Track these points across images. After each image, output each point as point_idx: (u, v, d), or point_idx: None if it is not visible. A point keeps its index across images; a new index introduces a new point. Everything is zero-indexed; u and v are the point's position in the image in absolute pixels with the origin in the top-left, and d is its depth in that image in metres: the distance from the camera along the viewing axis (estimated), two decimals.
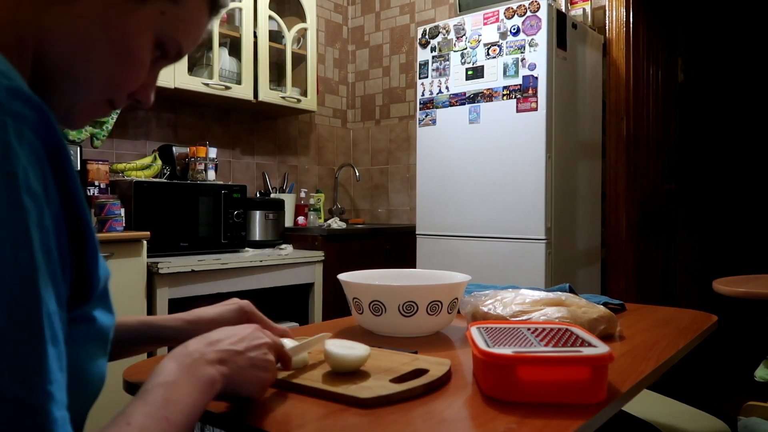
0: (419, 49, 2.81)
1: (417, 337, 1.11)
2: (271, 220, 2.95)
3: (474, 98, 2.59)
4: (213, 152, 2.72)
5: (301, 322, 2.80)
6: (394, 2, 3.74)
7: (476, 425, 0.67)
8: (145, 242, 2.16)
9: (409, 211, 3.63)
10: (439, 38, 2.73)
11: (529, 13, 2.43)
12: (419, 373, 0.81)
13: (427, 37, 2.77)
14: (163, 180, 2.54)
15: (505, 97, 2.49)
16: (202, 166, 2.66)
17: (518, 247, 2.45)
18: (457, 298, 1.12)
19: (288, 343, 0.81)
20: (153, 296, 2.18)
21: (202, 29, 0.63)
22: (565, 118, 2.53)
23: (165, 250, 2.39)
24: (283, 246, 2.85)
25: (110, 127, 2.48)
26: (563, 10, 2.77)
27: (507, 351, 0.74)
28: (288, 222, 3.24)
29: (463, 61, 2.63)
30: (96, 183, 2.31)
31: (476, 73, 2.59)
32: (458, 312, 1.17)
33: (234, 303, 0.90)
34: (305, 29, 3.24)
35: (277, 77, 3.23)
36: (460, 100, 2.65)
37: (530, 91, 2.42)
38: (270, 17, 3.03)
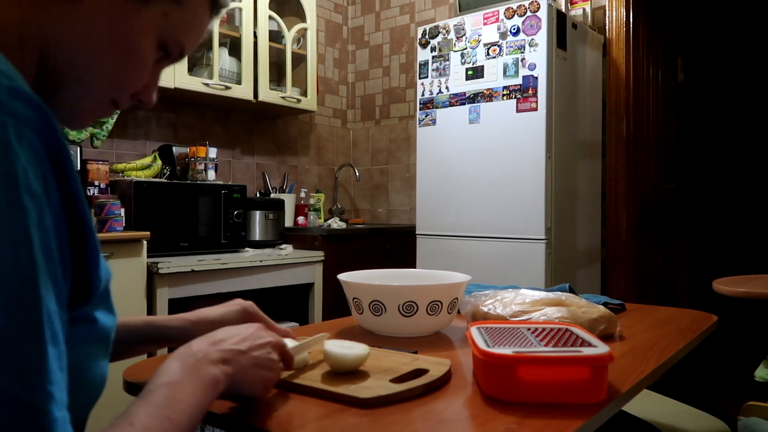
0: (419, 49, 2.81)
1: (417, 337, 1.11)
2: (271, 220, 2.95)
3: (474, 98, 2.59)
4: (213, 152, 2.72)
5: (301, 322, 2.80)
6: (394, 2, 3.74)
7: (476, 425, 0.67)
8: (145, 242, 2.16)
9: (409, 211, 3.63)
10: (439, 38, 2.73)
11: (529, 13, 2.43)
12: (419, 373, 0.81)
13: (427, 37, 2.77)
14: (163, 180, 2.54)
15: (505, 97, 2.49)
16: (202, 166, 2.66)
17: (518, 247, 2.45)
18: (457, 298, 1.12)
19: (288, 343, 0.82)
20: (153, 296, 2.18)
21: (203, 29, 0.64)
22: (565, 118, 2.53)
23: (165, 250, 2.39)
24: (283, 246, 2.85)
25: (110, 127, 2.48)
26: (563, 10, 2.77)
27: (507, 351, 0.74)
28: (288, 222, 3.24)
29: (463, 61, 2.63)
30: (96, 183, 2.31)
31: (476, 73, 2.59)
32: (458, 312, 1.17)
33: (237, 304, 0.90)
34: (305, 29, 3.24)
35: (277, 77, 3.23)
36: (460, 100, 2.65)
37: (530, 91, 2.42)
38: (270, 17, 3.03)
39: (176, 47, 0.61)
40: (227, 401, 0.72)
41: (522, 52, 2.44)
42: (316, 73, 3.27)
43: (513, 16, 2.47)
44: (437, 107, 2.73)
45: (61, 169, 0.46)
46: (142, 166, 2.56)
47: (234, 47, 2.96)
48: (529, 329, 0.89)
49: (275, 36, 3.13)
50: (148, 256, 2.20)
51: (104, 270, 0.55)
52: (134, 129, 2.81)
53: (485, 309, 1.13)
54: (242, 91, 2.88)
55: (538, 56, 2.40)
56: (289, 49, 3.13)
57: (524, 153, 2.44)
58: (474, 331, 0.86)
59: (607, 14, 2.86)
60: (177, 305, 2.27)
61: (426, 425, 0.67)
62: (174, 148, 2.71)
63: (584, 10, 2.88)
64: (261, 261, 2.53)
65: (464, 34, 2.63)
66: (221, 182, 2.78)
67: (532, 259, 2.41)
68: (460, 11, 3.17)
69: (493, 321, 1.04)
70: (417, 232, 2.82)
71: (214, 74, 2.75)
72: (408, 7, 3.67)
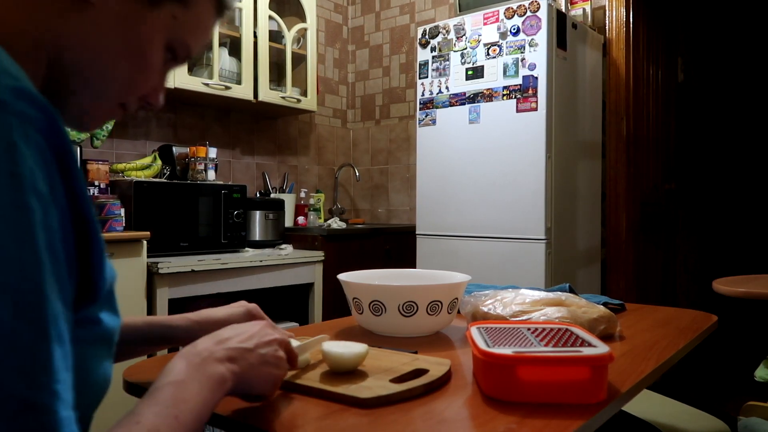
0: (419, 49, 2.81)
1: (417, 337, 1.11)
2: (271, 220, 2.95)
3: (474, 98, 2.59)
4: (213, 152, 2.72)
5: (301, 322, 2.80)
6: (394, 2, 3.74)
7: (476, 425, 0.67)
8: (145, 242, 2.16)
9: (409, 211, 3.63)
10: (439, 38, 2.73)
11: (529, 13, 2.43)
12: (419, 373, 0.81)
13: (427, 37, 2.77)
14: (163, 180, 2.54)
15: (505, 97, 2.49)
16: (202, 166, 2.66)
17: (518, 247, 2.45)
18: (457, 298, 1.12)
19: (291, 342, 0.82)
20: (153, 296, 2.18)
21: (209, 31, 0.65)
22: (565, 118, 2.53)
23: (165, 250, 2.39)
24: (283, 246, 2.85)
25: (110, 127, 2.48)
26: (563, 10, 2.77)
27: (507, 351, 0.74)
28: (288, 222, 3.24)
29: (463, 61, 2.63)
30: (96, 183, 2.31)
31: (476, 73, 2.59)
32: (458, 312, 1.17)
33: (242, 306, 0.90)
34: (305, 29, 3.24)
35: (277, 77, 3.23)
36: (460, 100, 2.65)
37: (530, 91, 2.42)
38: (270, 17, 3.03)
39: (183, 49, 0.62)
40: (235, 400, 0.71)
41: (522, 52, 2.44)
42: (316, 73, 3.27)
43: (513, 16, 2.47)
44: (437, 107, 2.73)
45: (66, 170, 0.47)
46: (142, 166, 2.56)
47: (234, 47, 2.96)
48: (529, 329, 0.89)
49: (275, 36, 3.13)
50: (148, 256, 2.20)
51: (109, 271, 0.55)
52: (134, 129, 2.81)
53: (485, 309, 1.13)
54: (242, 91, 2.88)
55: (538, 56, 2.40)
56: (289, 49, 3.13)
57: (524, 153, 2.44)
58: (474, 331, 0.86)
59: (607, 14, 2.86)
60: (177, 305, 2.27)
61: (426, 425, 0.66)
62: (174, 148, 2.71)
63: (584, 10, 2.88)
64: (261, 261, 2.53)
65: (464, 34, 2.63)
66: (221, 182, 2.78)
67: (532, 259, 2.41)
68: (460, 11, 3.17)
69: (493, 321, 1.04)
70: (417, 232, 2.82)
71: (214, 74, 2.75)
72: (408, 7, 3.67)
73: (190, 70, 2.77)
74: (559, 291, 1.26)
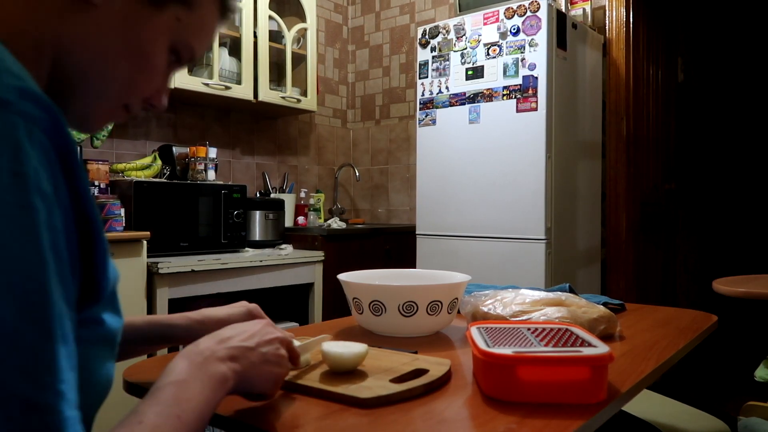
0: (419, 49, 2.81)
1: (417, 337, 1.11)
2: (271, 220, 2.95)
3: (474, 98, 2.59)
4: (213, 152, 2.72)
5: (301, 322, 2.80)
6: (394, 2, 3.74)
7: (476, 425, 0.67)
8: (145, 242, 2.16)
9: (409, 211, 3.63)
10: (439, 38, 2.73)
11: (529, 13, 2.43)
12: (419, 373, 0.81)
13: (427, 37, 2.77)
14: (163, 180, 2.54)
15: (505, 97, 2.49)
16: (202, 166, 2.66)
17: (518, 247, 2.45)
18: (457, 298, 1.12)
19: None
20: (153, 296, 2.18)
21: (213, 34, 0.65)
22: (565, 118, 2.53)
23: (165, 250, 2.39)
24: (283, 246, 2.85)
25: (110, 127, 2.48)
26: (563, 10, 2.77)
27: (507, 351, 0.74)
28: (288, 222, 3.24)
29: (463, 61, 2.63)
30: (96, 183, 2.31)
31: (476, 73, 2.59)
32: (458, 312, 1.17)
33: (242, 306, 0.90)
34: (305, 29, 3.24)
35: (277, 77, 3.23)
36: (460, 100, 2.65)
37: (530, 91, 2.42)
38: (270, 17, 3.03)
39: (187, 51, 0.62)
40: (236, 401, 0.71)
41: (522, 52, 2.44)
42: (316, 73, 3.27)
43: (513, 16, 2.47)
44: (437, 107, 2.73)
45: (70, 170, 0.47)
46: (142, 166, 2.56)
47: (234, 47, 2.96)
48: (529, 329, 0.89)
49: (275, 36, 3.13)
50: (148, 256, 2.20)
51: (112, 271, 0.55)
52: (134, 129, 2.81)
53: (485, 309, 1.13)
54: (242, 91, 2.88)
55: (538, 56, 2.40)
56: (289, 49, 3.13)
57: (524, 153, 2.44)
58: (474, 331, 0.86)
59: (607, 14, 2.86)
60: (177, 305, 2.27)
61: (426, 425, 0.66)
62: (174, 148, 2.71)
63: (584, 10, 2.88)
64: (261, 261, 2.53)
65: (464, 34, 2.63)
66: (221, 182, 2.78)
67: (532, 259, 2.41)
68: (460, 11, 3.17)
69: (493, 321, 1.04)
70: (417, 232, 2.82)
71: (214, 74, 2.75)
72: (408, 7, 3.67)
73: (190, 70, 2.76)
74: (559, 291, 1.26)
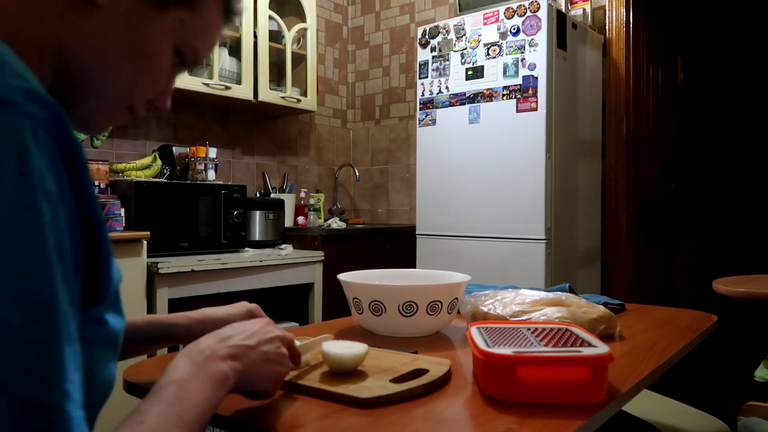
0: (419, 49, 2.81)
1: (417, 337, 1.11)
2: (271, 220, 2.95)
3: (474, 98, 2.59)
4: (213, 152, 2.72)
5: (301, 322, 2.80)
6: (394, 2, 3.74)
7: (476, 425, 0.67)
8: (145, 242, 2.16)
9: (409, 211, 3.63)
10: (439, 38, 2.73)
11: (529, 13, 2.43)
12: (419, 373, 0.81)
13: (427, 37, 2.77)
14: (163, 180, 2.54)
15: (505, 97, 2.49)
16: (202, 166, 2.66)
17: (518, 247, 2.45)
18: (457, 298, 1.12)
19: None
20: (153, 296, 2.18)
21: (216, 36, 0.65)
22: (565, 118, 2.53)
23: (165, 250, 2.39)
24: (283, 246, 2.85)
25: (111, 128, 2.48)
26: (563, 10, 2.77)
27: (507, 351, 0.74)
28: (288, 222, 3.24)
29: (463, 61, 2.63)
30: (96, 183, 2.31)
31: (476, 73, 2.59)
32: (458, 312, 1.17)
33: (243, 306, 0.91)
34: (305, 29, 3.24)
35: (277, 77, 3.23)
36: (460, 100, 2.65)
37: (530, 91, 2.42)
38: (270, 17, 3.03)
39: (191, 53, 0.63)
40: (236, 400, 0.71)
41: (522, 52, 2.44)
42: (316, 73, 3.27)
43: (513, 16, 2.47)
44: (437, 107, 2.73)
45: (74, 171, 0.47)
46: (142, 166, 2.56)
47: (234, 47, 2.96)
48: (529, 329, 0.89)
49: (275, 36, 3.13)
50: (148, 256, 2.20)
51: (116, 272, 0.55)
52: (134, 129, 2.81)
53: (485, 309, 1.13)
54: (242, 91, 2.88)
55: (538, 56, 2.40)
56: (289, 49, 3.13)
57: (524, 153, 2.44)
58: (474, 331, 0.86)
59: (607, 14, 2.86)
60: (177, 305, 2.27)
61: (426, 425, 0.67)
62: (174, 148, 2.71)
63: (584, 10, 2.88)
64: (261, 261, 2.53)
65: (464, 34, 2.63)
66: (221, 182, 2.78)
67: (532, 259, 2.41)
68: (460, 11, 3.17)
69: (493, 321, 1.04)
70: (417, 232, 2.82)
71: (214, 74, 2.75)
72: (408, 7, 3.67)
73: (190, 71, 2.77)
74: (559, 291, 1.26)
